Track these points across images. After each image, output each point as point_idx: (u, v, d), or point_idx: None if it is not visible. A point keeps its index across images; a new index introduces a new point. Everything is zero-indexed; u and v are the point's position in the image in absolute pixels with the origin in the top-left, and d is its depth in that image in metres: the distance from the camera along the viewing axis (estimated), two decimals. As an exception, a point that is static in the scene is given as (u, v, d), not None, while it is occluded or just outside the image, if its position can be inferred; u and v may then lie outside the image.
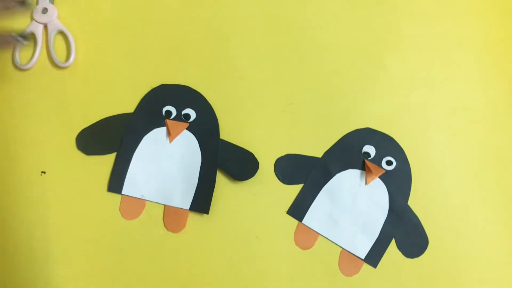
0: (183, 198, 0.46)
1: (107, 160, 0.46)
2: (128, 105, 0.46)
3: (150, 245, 0.45)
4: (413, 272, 0.46)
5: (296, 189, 0.47)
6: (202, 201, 0.45)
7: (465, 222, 0.47)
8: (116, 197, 0.45)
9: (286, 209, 0.46)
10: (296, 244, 0.46)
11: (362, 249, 0.46)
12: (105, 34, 0.47)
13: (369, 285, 0.46)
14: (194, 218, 0.46)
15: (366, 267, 0.46)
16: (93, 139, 0.46)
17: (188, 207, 0.45)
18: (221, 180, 0.46)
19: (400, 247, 0.46)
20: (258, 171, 0.46)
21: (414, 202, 0.46)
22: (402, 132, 0.47)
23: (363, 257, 0.46)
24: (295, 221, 0.46)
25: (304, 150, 0.47)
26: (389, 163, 0.47)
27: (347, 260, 0.46)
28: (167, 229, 0.45)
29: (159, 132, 0.46)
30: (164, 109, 0.46)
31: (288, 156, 0.46)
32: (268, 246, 0.46)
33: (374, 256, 0.46)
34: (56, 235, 0.45)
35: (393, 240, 0.46)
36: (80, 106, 0.46)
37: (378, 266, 0.46)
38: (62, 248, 0.44)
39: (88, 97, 0.46)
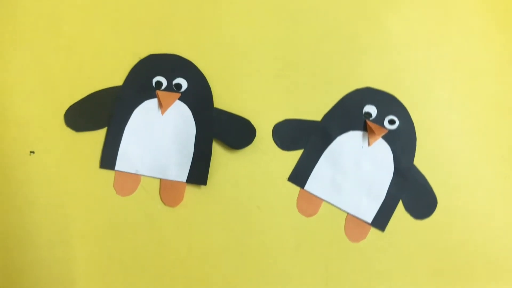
0: (179, 170, 0.43)
1: (98, 136, 0.43)
2: (116, 78, 0.44)
3: (147, 221, 0.43)
4: (423, 234, 0.44)
5: (296, 155, 0.44)
6: (199, 173, 0.43)
7: (473, 179, 0.44)
8: (109, 173, 0.43)
9: (287, 176, 0.44)
10: (299, 211, 0.44)
11: (369, 213, 0.43)
12: (90, 5, 0.45)
13: (377, 250, 0.44)
14: (191, 191, 0.43)
15: (373, 231, 0.44)
16: (82, 115, 0.43)
17: (185, 180, 0.43)
18: (217, 150, 0.43)
19: (407, 208, 0.44)
20: (256, 138, 0.43)
21: (420, 161, 0.44)
22: (404, 89, 0.45)
23: (369, 221, 0.43)
24: (297, 188, 0.44)
25: (303, 114, 0.44)
26: (391, 122, 0.44)
27: (353, 225, 0.43)
28: (165, 204, 0.43)
29: (150, 104, 0.44)
30: (154, 80, 0.44)
31: (286, 122, 0.44)
32: (270, 215, 0.43)
33: (381, 220, 0.43)
34: (49, 216, 0.42)
35: (400, 202, 0.44)
36: (66, 81, 0.43)
37: (386, 230, 0.43)
38: (55, 230, 0.42)
39: (75, 71, 0.43)
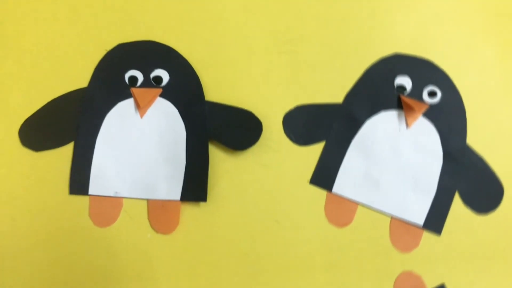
0: (170, 186, 0.33)
1: (64, 154, 0.33)
2: (79, 78, 0.34)
3: (137, 255, 0.33)
4: (489, 232, 0.34)
5: (316, 150, 0.34)
6: (195, 187, 0.33)
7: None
8: (82, 200, 0.33)
9: (308, 178, 0.35)
10: (330, 221, 0.34)
11: (418, 213, 0.33)
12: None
13: (435, 259, 0.34)
14: (188, 211, 0.33)
15: (427, 236, 0.34)
16: (41, 130, 0.34)
17: (178, 197, 0.33)
18: (215, 154, 0.34)
19: (467, 201, 0.34)
20: (263, 134, 0.34)
21: (474, 139, 0.34)
22: (441, 51, 0.35)
23: (421, 224, 0.34)
24: (323, 192, 0.34)
25: (318, 97, 0.35)
26: (432, 94, 0.34)
27: (401, 231, 0.33)
28: (156, 231, 0.33)
29: (125, 106, 0.34)
30: (127, 75, 0.34)
31: (299, 109, 0.34)
32: (292, 230, 0.33)
33: (435, 220, 0.33)
34: (12, 260, 0.33)
35: (457, 194, 0.34)
36: (18, 89, 0.34)
37: (443, 232, 0.34)
38: (21, 276, 0.33)
39: (27, 76, 0.34)
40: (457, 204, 0.34)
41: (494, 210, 0.34)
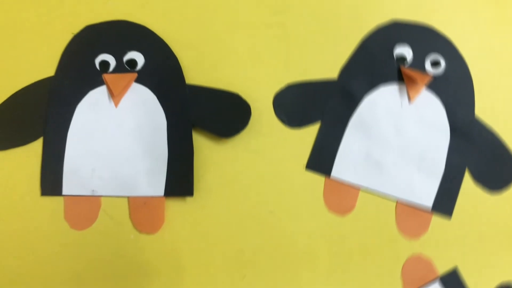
0: (152, 181, 0.30)
1: (33, 152, 0.30)
2: (45, 66, 0.30)
3: (120, 258, 0.30)
4: (503, 212, 0.31)
5: (311, 132, 0.31)
6: (180, 180, 0.30)
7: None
8: (56, 201, 0.30)
9: (304, 163, 0.32)
10: (330, 209, 0.31)
11: (426, 195, 0.30)
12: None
13: (445, 243, 0.31)
14: (174, 207, 0.30)
15: (436, 220, 0.31)
16: (6, 127, 0.30)
17: (162, 193, 0.30)
18: (201, 143, 0.31)
19: (478, 179, 0.31)
20: (252, 117, 0.30)
21: (484, 111, 0.31)
22: (442, 16, 0.32)
23: (429, 206, 0.31)
24: (321, 178, 0.31)
25: (311, 73, 0.31)
26: (435, 64, 0.31)
27: (408, 216, 0.30)
28: (140, 231, 0.30)
29: (97, 95, 0.30)
30: (98, 60, 0.31)
31: (290, 88, 0.31)
32: (289, 221, 0.30)
33: (445, 202, 0.30)
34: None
35: (467, 172, 0.32)
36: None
37: (454, 215, 0.32)
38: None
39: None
40: (468, 183, 0.31)
41: (508, 188, 0.31)
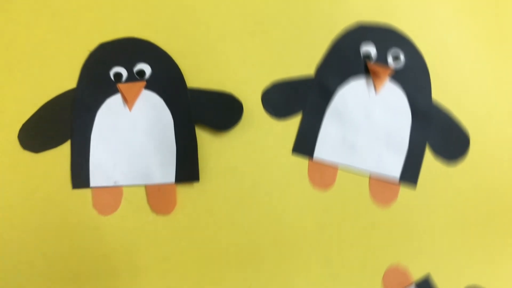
0: (164, 171, 0.36)
1: (63, 153, 0.35)
2: (67, 80, 0.36)
3: (141, 237, 0.35)
4: (461, 181, 0.37)
5: (295, 123, 0.36)
6: (188, 168, 0.35)
7: (505, 103, 0.38)
8: (85, 193, 0.35)
9: (290, 149, 0.37)
10: (314, 185, 0.36)
11: (394, 167, 0.36)
12: (19, 4, 0.37)
13: (413, 210, 0.36)
14: (184, 192, 0.36)
15: (404, 191, 0.37)
16: (39, 132, 0.35)
17: (173, 180, 0.35)
18: (203, 137, 0.36)
19: (437, 151, 0.36)
20: (244, 112, 0.36)
21: (440, 96, 0.36)
22: (400, 16, 0.37)
23: (397, 176, 0.36)
24: (305, 161, 0.36)
25: (292, 71, 0.37)
26: (396, 58, 0.36)
27: (380, 187, 0.36)
28: (157, 213, 0.36)
29: (114, 102, 0.36)
30: (112, 72, 0.36)
31: (275, 86, 0.36)
32: (281, 199, 0.36)
33: (410, 172, 0.36)
34: (25, 255, 0.35)
35: (427, 147, 0.37)
36: (11, 97, 0.36)
37: (418, 185, 0.37)
38: (38, 271, 0.36)
39: (18, 83, 0.36)
40: (429, 158, 0.36)
41: (463, 157, 0.37)
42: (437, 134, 0.36)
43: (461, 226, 0.37)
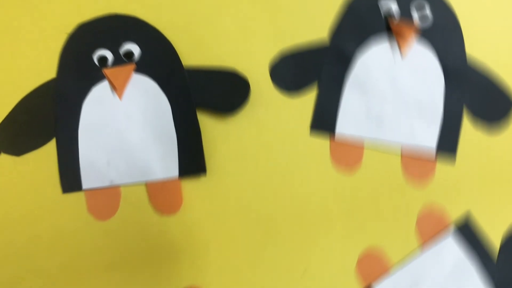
0: (166, 164, 0.31)
1: (48, 153, 0.31)
2: (45, 69, 0.31)
3: (146, 241, 0.31)
4: (504, 152, 0.32)
5: (311, 97, 0.32)
6: (192, 160, 0.31)
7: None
8: (78, 196, 0.31)
9: (308, 128, 0.32)
10: (338, 167, 0.31)
11: (429, 137, 0.31)
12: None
13: (453, 189, 0.32)
14: (190, 187, 0.31)
15: (441, 167, 0.32)
16: (18, 133, 0.30)
17: (176, 174, 0.31)
18: (206, 122, 0.31)
19: (477, 113, 0.32)
20: (252, 90, 0.31)
21: (475, 54, 0.32)
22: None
23: (433, 147, 0.31)
24: (326, 141, 0.31)
25: (301, 37, 0.32)
26: (422, 13, 0.31)
27: (414, 164, 0.31)
28: (161, 213, 0.31)
29: (101, 90, 0.31)
30: (95, 56, 0.31)
31: (285, 57, 0.31)
32: (301, 185, 0.31)
33: (448, 142, 0.31)
34: (15, 272, 0.31)
35: (465, 111, 0.32)
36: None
37: (457, 160, 0.32)
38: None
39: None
40: (468, 129, 0.32)
41: (505, 123, 0.32)
42: (475, 97, 0.31)
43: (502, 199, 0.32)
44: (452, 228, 0.31)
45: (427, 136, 0.31)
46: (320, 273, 0.31)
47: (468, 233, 0.31)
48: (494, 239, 0.32)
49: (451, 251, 0.31)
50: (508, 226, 0.32)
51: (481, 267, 0.31)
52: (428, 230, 0.31)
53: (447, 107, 0.31)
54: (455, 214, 0.32)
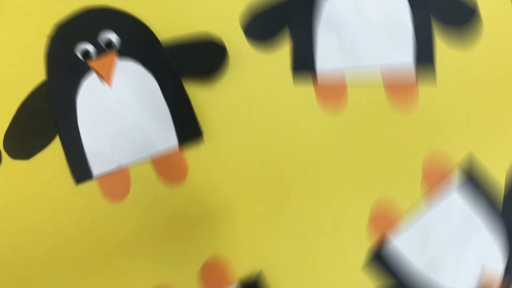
0: (165, 136, 0.32)
1: (55, 151, 0.32)
2: (35, 74, 0.32)
3: (162, 215, 0.32)
4: (479, 65, 0.34)
5: (288, 48, 0.33)
6: (187, 126, 0.32)
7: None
8: (91, 185, 0.32)
9: (291, 78, 0.33)
10: (326, 105, 0.32)
11: (404, 51, 0.32)
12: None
13: (439, 112, 0.33)
14: (193, 156, 0.32)
15: (424, 90, 0.33)
16: (24, 137, 0.32)
17: (176, 143, 0.32)
18: (194, 92, 0.32)
19: (445, 21, 0.33)
20: (230, 52, 0.32)
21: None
22: None
23: (411, 61, 0.32)
24: (311, 87, 0.33)
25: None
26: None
27: (396, 85, 0.32)
28: (170, 184, 0.33)
29: (91, 82, 0.32)
30: (78, 51, 0.33)
31: (255, 15, 0.32)
32: (296, 134, 0.33)
33: (424, 54, 0.32)
34: (48, 267, 0.32)
35: (434, 27, 0.33)
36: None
37: (437, 79, 0.33)
38: (61, 275, 0.33)
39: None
40: (442, 48, 0.33)
41: (470, 22, 0.33)
42: (439, 7, 0.33)
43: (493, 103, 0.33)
44: (456, 173, 0.33)
45: (403, 52, 0.32)
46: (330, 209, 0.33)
47: (472, 174, 0.32)
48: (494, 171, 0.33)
49: (456, 203, 0.32)
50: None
51: (487, 213, 0.32)
52: (432, 174, 0.33)
53: (416, 22, 0.32)
54: (445, 137, 0.33)
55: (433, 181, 0.32)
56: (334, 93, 0.33)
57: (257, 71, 0.33)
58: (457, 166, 0.33)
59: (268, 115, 0.33)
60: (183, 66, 0.32)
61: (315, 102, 0.33)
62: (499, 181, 0.33)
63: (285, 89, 0.33)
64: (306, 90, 0.33)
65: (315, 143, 0.33)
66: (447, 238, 0.31)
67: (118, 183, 0.33)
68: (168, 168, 0.32)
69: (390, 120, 0.33)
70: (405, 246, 0.31)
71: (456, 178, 0.32)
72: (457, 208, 0.31)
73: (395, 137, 0.33)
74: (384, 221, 0.32)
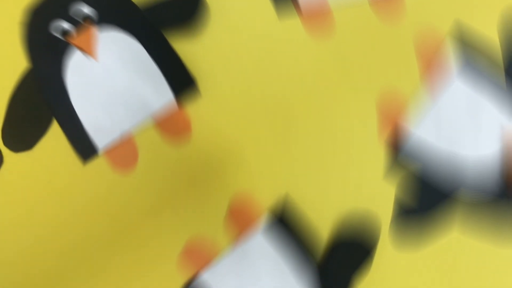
0: (160, 92, 0.31)
1: (55, 135, 0.31)
2: (18, 63, 0.32)
3: (175, 174, 0.31)
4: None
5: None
6: (180, 78, 0.32)
7: None
8: (99, 161, 0.31)
9: (274, 13, 0.33)
10: (314, 35, 0.32)
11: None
12: None
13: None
14: (192, 108, 0.32)
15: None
16: (22, 128, 0.32)
17: (172, 96, 0.31)
18: (182, 46, 0.32)
19: None
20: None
21: None
22: None
23: None
24: (297, 20, 0.32)
25: None
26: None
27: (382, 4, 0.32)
28: (176, 140, 0.31)
29: (76, 60, 0.32)
30: (56, 31, 0.32)
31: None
32: (288, 63, 0.32)
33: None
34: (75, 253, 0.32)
35: None
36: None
37: None
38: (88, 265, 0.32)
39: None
40: None
41: None
42: None
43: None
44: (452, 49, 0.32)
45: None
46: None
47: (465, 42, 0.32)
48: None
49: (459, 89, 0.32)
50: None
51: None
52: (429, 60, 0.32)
53: None
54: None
55: (432, 65, 0.32)
56: (320, 19, 0.32)
57: (239, 13, 0.32)
58: (448, 35, 0.32)
59: (259, 53, 0.32)
60: (163, 23, 0.32)
61: (302, 31, 0.32)
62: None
63: (271, 24, 0.32)
64: (292, 22, 0.33)
65: (309, 69, 0.32)
66: (460, 117, 0.31)
67: (125, 152, 0.32)
68: (171, 127, 0.32)
69: (381, 33, 0.33)
70: (422, 135, 0.31)
71: (454, 57, 0.32)
72: (463, 95, 0.31)
73: (387, 47, 0.33)
74: (394, 116, 0.32)
